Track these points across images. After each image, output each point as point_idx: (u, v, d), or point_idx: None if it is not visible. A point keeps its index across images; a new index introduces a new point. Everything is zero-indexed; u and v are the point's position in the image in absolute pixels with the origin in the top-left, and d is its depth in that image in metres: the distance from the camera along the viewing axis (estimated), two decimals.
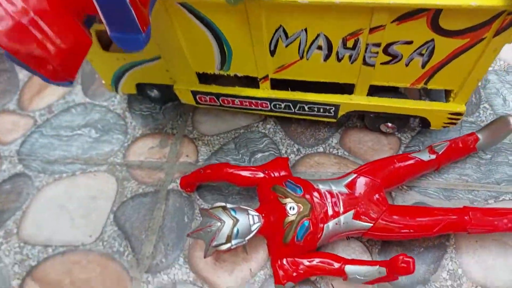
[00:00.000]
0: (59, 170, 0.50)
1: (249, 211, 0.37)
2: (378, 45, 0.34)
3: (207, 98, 0.46)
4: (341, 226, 0.37)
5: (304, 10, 0.33)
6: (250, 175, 0.41)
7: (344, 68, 0.38)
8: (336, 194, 0.38)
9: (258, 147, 0.48)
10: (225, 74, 0.43)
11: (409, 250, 0.39)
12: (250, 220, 0.36)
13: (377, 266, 0.34)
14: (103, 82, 0.50)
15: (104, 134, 0.52)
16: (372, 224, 0.37)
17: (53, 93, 0.58)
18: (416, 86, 0.38)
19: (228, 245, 0.36)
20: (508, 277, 0.37)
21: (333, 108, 0.43)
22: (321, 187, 0.39)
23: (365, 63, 0.37)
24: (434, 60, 0.35)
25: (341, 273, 0.36)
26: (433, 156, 0.40)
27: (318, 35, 0.35)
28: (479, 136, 0.42)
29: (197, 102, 0.47)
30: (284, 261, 0.37)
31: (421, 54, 0.35)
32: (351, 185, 0.39)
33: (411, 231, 0.36)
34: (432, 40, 0.33)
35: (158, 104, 0.53)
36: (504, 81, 0.50)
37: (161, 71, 0.45)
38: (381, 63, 0.37)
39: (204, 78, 0.45)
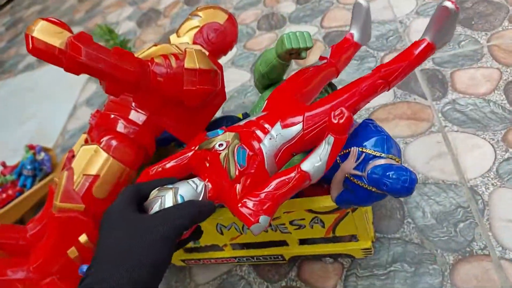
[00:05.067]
0: None
1: (188, 180, 0.35)
2: (283, 224, 0.49)
3: (192, 261, 0.62)
4: (277, 139, 0.37)
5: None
6: (179, 161, 0.37)
7: (272, 234, 0.53)
8: (256, 119, 0.39)
9: None
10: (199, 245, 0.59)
11: None
12: (191, 184, 0.34)
13: (323, 141, 0.34)
14: None
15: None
16: (301, 122, 0.37)
17: None
18: (328, 236, 0.52)
19: None
20: None
21: (280, 256, 0.57)
22: (241, 122, 0.40)
23: (282, 231, 0.51)
24: (327, 224, 0.49)
25: (304, 178, 0.33)
26: None
27: None
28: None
29: (185, 263, 0.64)
30: (245, 200, 0.33)
31: (316, 222, 0.49)
32: (267, 107, 0.42)
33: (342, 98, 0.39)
34: (316, 217, 0.47)
35: None
36: (422, 193, 0.60)
37: None
38: (295, 229, 0.51)
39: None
